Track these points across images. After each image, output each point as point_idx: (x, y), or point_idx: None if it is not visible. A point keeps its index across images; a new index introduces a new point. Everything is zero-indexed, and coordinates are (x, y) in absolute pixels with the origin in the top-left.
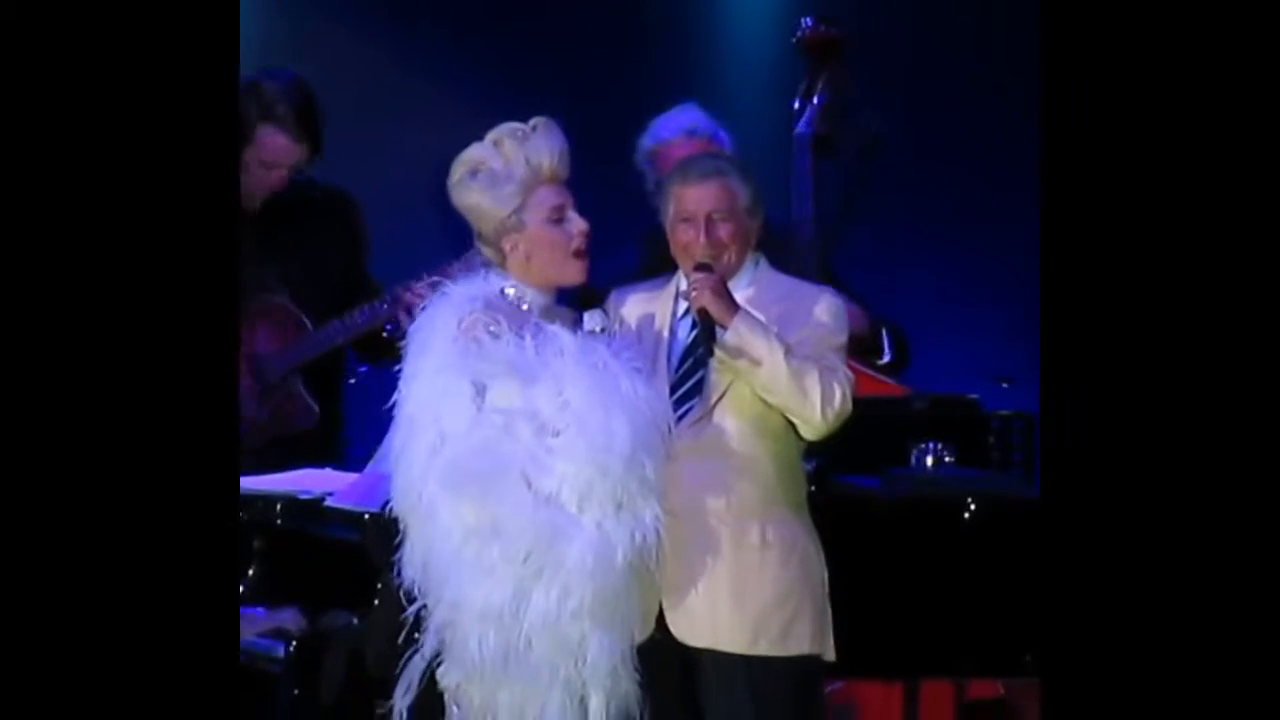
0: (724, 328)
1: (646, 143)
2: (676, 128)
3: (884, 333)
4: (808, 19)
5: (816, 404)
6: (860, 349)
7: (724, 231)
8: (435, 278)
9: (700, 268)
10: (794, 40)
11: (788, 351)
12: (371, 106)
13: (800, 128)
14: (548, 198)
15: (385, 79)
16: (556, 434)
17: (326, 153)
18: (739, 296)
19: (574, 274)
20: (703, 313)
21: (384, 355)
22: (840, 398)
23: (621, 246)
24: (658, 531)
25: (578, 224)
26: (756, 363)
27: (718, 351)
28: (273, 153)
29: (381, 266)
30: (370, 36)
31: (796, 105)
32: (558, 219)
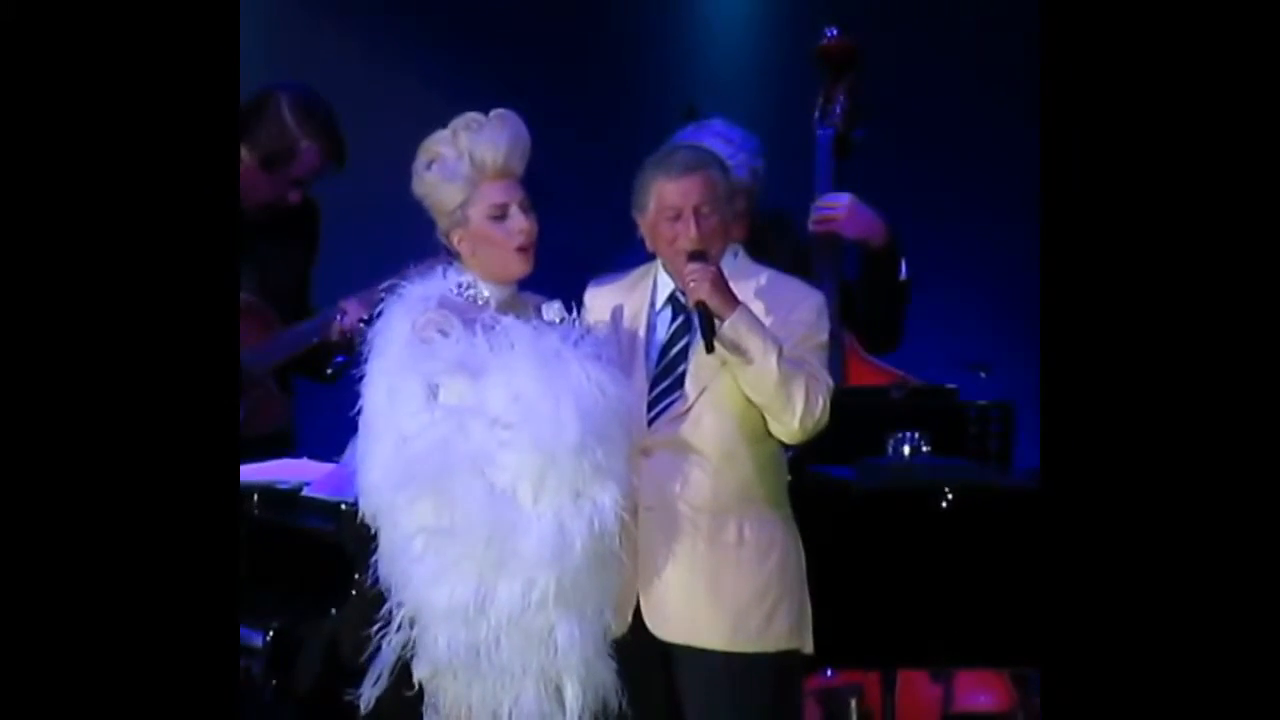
0: (721, 320)
1: None
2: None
3: (902, 255)
4: (831, 29)
5: (798, 413)
6: (875, 259)
7: (709, 225)
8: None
9: (694, 256)
10: (816, 49)
11: (780, 354)
12: (354, 102)
13: (822, 131)
14: (491, 194)
15: (378, 73)
16: (508, 427)
17: None
18: None
19: (517, 269)
20: (701, 305)
21: (319, 371)
22: (821, 410)
23: (618, 255)
24: (618, 517)
25: (519, 222)
26: (749, 361)
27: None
28: (308, 171)
29: (364, 265)
30: (355, 29)
31: (818, 112)
32: (499, 216)
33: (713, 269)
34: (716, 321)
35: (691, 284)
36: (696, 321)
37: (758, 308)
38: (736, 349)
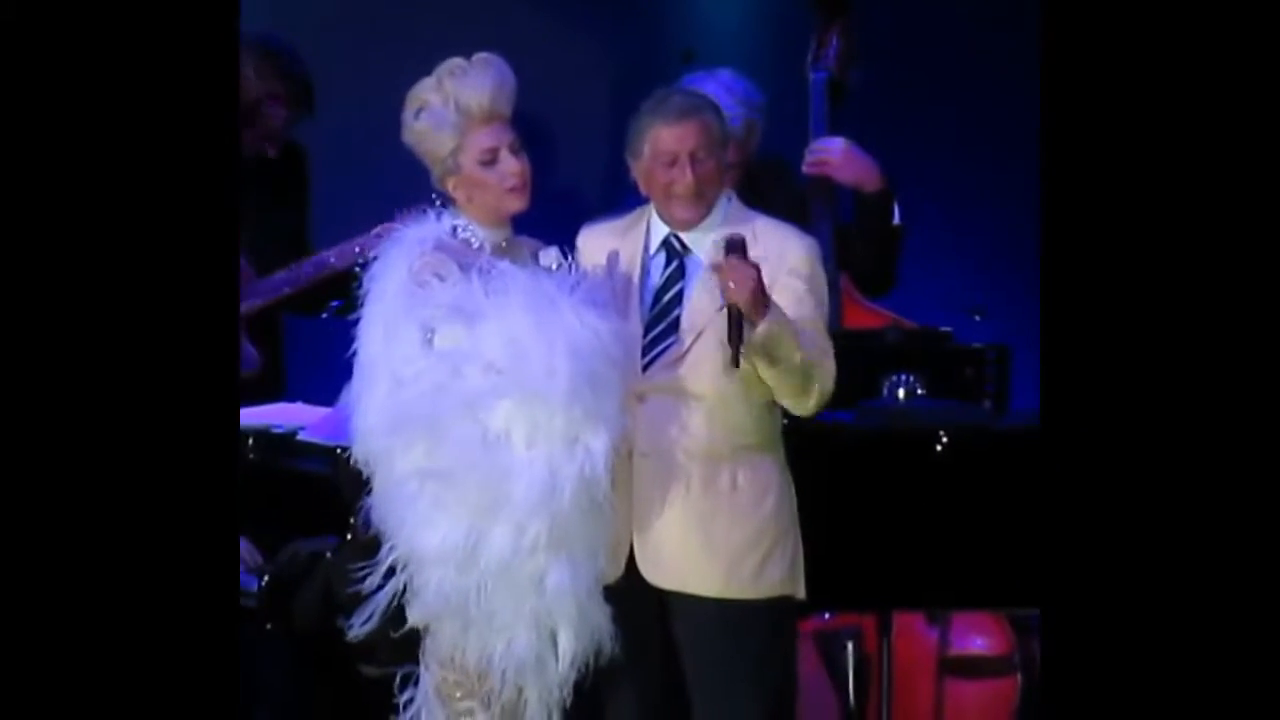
0: (753, 324)
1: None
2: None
3: (895, 200)
4: None
5: (810, 403)
6: (868, 204)
7: (705, 170)
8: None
9: (733, 248)
10: None
11: (804, 353)
12: (347, 49)
13: (816, 74)
14: (480, 140)
15: (371, 17)
16: (502, 372)
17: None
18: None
19: (512, 205)
20: (734, 307)
21: (313, 308)
22: (830, 390)
23: (620, 199)
24: (607, 462)
25: (509, 165)
26: (774, 362)
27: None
28: (277, 123)
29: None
30: None
31: (811, 55)
32: (490, 161)
33: (754, 273)
34: (747, 326)
35: (731, 285)
36: (725, 326)
37: (753, 254)
38: (763, 352)
